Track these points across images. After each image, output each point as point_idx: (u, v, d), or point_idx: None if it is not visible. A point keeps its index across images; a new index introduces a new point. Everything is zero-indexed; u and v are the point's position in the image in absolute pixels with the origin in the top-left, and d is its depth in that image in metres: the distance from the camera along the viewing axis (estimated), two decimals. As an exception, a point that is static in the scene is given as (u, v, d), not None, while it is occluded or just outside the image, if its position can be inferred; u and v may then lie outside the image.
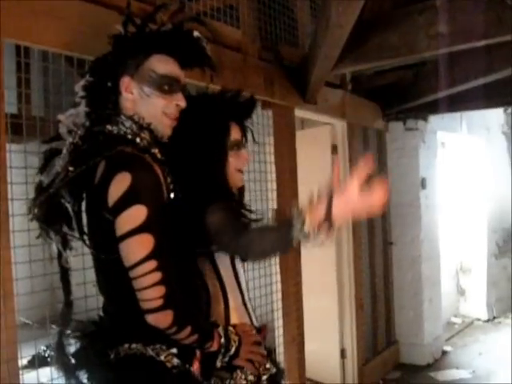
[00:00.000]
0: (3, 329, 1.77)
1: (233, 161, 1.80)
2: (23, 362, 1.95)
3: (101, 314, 1.62)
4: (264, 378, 1.69)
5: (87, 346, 1.56)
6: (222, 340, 1.55)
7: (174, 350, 1.49)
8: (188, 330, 1.44)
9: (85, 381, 1.58)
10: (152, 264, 1.37)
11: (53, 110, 2.25)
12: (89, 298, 2.16)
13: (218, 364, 1.57)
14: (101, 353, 1.51)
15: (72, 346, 1.59)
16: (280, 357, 3.67)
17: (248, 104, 1.92)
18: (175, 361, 1.49)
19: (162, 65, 1.59)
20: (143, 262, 1.37)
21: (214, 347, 1.54)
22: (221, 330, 1.57)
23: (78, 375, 1.57)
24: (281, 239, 1.46)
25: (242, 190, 1.93)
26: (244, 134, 1.89)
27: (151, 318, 1.39)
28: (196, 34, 1.68)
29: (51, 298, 3.29)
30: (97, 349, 1.53)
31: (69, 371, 1.58)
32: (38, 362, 2.29)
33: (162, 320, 1.40)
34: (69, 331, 1.61)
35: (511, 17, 2.45)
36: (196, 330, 1.47)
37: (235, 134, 1.81)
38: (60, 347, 1.58)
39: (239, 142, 1.82)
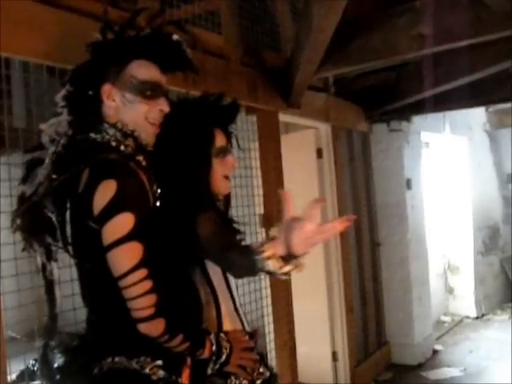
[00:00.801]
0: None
1: (218, 168, 1.77)
2: (12, 376, 1.92)
3: (84, 326, 1.60)
4: (258, 382, 1.68)
5: (70, 361, 1.53)
6: (214, 347, 1.53)
7: (160, 362, 1.47)
8: (180, 337, 1.42)
9: None
10: (142, 273, 1.35)
11: (35, 121, 2.23)
12: (78, 310, 2.13)
13: (209, 371, 1.55)
14: (84, 367, 1.48)
15: (57, 360, 1.56)
16: (272, 361, 3.66)
17: (231, 109, 1.89)
18: (161, 373, 1.47)
19: (143, 70, 1.57)
20: (133, 271, 1.35)
21: (206, 355, 1.52)
22: (212, 337, 1.55)
23: None
24: (252, 269, 1.46)
25: (228, 197, 1.91)
26: (229, 140, 1.87)
27: (143, 327, 1.38)
28: (175, 37, 1.66)
29: (39, 311, 3.27)
30: (80, 363, 1.50)
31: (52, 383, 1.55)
32: (27, 376, 2.26)
33: (154, 329, 1.38)
34: (54, 344, 1.58)
35: (490, 17, 2.47)
36: (188, 338, 1.45)
37: (220, 140, 1.79)
38: (45, 360, 1.56)
39: (224, 149, 1.80)
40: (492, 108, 6.83)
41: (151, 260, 1.38)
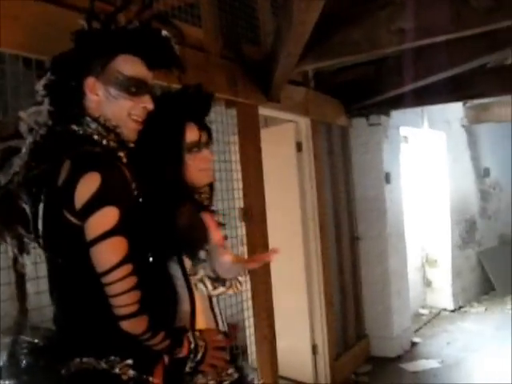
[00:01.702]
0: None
1: (192, 163, 1.75)
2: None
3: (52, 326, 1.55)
4: (225, 383, 1.68)
5: (37, 361, 1.48)
6: (192, 346, 1.51)
7: (130, 361, 1.44)
8: (161, 335, 1.41)
9: None
10: (127, 268, 1.33)
11: (10, 113, 2.18)
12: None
13: (188, 369, 1.54)
14: (51, 368, 1.45)
15: (24, 359, 1.50)
16: (252, 356, 3.66)
17: (204, 102, 1.85)
18: (131, 372, 1.44)
19: (129, 66, 1.53)
20: (118, 267, 1.32)
21: (184, 353, 1.50)
22: (190, 335, 1.53)
23: None
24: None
25: (211, 185, 1.88)
26: (208, 134, 1.84)
27: (126, 325, 1.35)
28: (164, 33, 1.61)
29: (16, 308, 3.22)
30: (47, 364, 1.46)
31: (20, 383, 1.49)
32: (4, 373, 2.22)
33: (137, 326, 1.36)
34: (24, 340, 1.53)
35: (470, 13, 2.48)
36: (168, 336, 1.43)
37: (191, 135, 1.75)
38: (12, 358, 1.50)
39: (197, 143, 1.76)
40: (469, 103, 6.90)
41: (134, 255, 1.36)
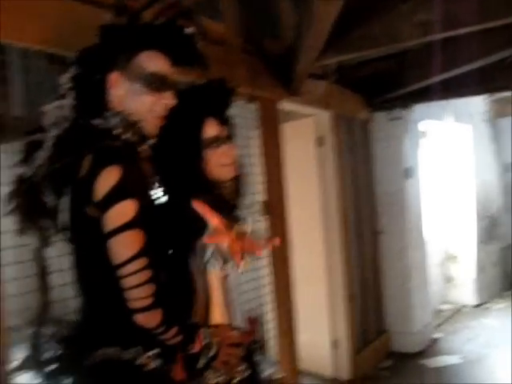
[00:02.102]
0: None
1: (212, 158, 1.76)
2: (14, 364, 1.92)
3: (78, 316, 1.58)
4: (235, 380, 1.67)
5: (62, 351, 1.51)
6: (205, 342, 1.51)
7: (154, 352, 1.46)
8: (174, 330, 1.41)
9: None
10: (142, 262, 1.34)
11: (33, 109, 2.21)
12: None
13: (200, 366, 1.54)
14: (76, 358, 1.47)
15: (50, 350, 1.53)
16: (272, 349, 3.68)
17: (224, 97, 1.86)
18: (154, 364, 1.46)
19: (153, 62, 1.54)
20: (133, 260, 1.33)
21: (197, 349, 1.50)
22: (203, 331, 1.53)
23: (53, 378, 1.52)
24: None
25: (237, 181, 1.87)
26: (229, 128, 1.84)
27: (140, 318, 1.36)
28: (189, 30, 1.62)
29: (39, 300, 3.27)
30: (72, 354, 1.49)
31: (43, 374, 1.53)
32: (28, 364, 2.26)
33: (151, 320, 1.36)
34: (47, 333, 1.56)
35: (495, 4, 2.45)
36: (181, 331, 1.43)
37: (210, 130, 1.76)
38: (34, 349, 1.53)
39: (217, 138, 1.76)
40: (494, 97, 6.81)
41: (151, 249, 1.37)
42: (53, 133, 1.49)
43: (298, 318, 3.70)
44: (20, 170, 1.51)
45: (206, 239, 1.35)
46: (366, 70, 4.46)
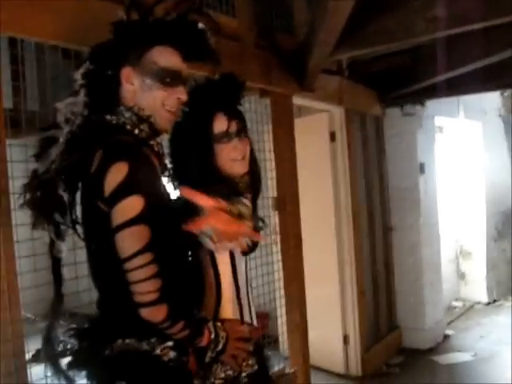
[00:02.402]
0: (9, 323, 1.78)
1: (223, 152, 1.75)
2: (28, 356, 1.95)
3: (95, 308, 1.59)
4: (244, 374, 1.67)
5: (82, 343, 1.53)
6: (213, 336, 1.52)
7: (170, 343, 1.47)
8: (180, 324, 1.42)
9: (78, 377, 1.56)
10: (147, 257, 1.35)
11: (47, 103, 2.23)
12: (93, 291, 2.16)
13: (207, 359, 1.55)
14: (95, 349, 1.49)
15: (62, 341, 1.55)
16: (284, 344, 3.70)
17: (234, 91, 1.84)
18: (171, 354, 1.48)
19: (165, 57, 1.55)
20: (138, 255, 1.35)
21: (204, 343, 1.51)
22: (211, 325, 1.53)
23: (66, 370, 1.54)
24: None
25: (253, 176, 1.86)
26: (241, 123, 1.82)
27: (145, 312, 1.37)
28: (201, 25, 1.62)
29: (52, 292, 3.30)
30: (91, 346, 1.50)
31: (56, 366, 1.54)
32: (41, 357, 2.28)
33: (155, 314, 1.38)
34: (62, 325, 1.58)
35: (506, 0, 2.43)
36: (188, 326, 1.44)
37: (220, 125, 1.75)
38: (48, 341, 1.54)
39: (227, 133, 1.75)
40: (507, 92, 6.76)
41: (160, 243, 1.38)
42: (66, 129, 1.51)
43: (309, 313, 3.70)
44: (35, 165, 1.53)
45: (194, 222, 1.31)
46: (378, 66, 4.45)
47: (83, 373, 1.53)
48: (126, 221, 1.35)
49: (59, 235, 1.53)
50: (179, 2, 1.64)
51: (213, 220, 1.23)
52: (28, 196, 1.48)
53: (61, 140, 1.50)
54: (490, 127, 6.76)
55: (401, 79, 4.61)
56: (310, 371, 3.74)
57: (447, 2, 2.67)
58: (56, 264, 1.56)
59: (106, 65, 1.55)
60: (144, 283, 1.35)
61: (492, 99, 6.79)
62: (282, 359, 3.63)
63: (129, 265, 1.36)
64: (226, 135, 1.75)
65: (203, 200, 1.24)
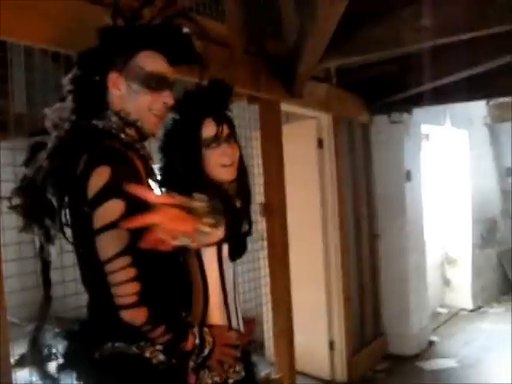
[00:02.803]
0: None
1: (212, 158, 1.76)
2: (12, 360, 1.94)
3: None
4: (231, 381, 1.68)
5: (71, 346, 1.53)
6: (197, 341, 1.52)
7: (159, 347, 1.48)
8: (161, 329, 1.41)
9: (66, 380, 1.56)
10: (126, 260, 1.35)
11: (35, 106, 2.23)
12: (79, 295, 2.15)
13: (191, 364, 1.56)
14: (85, 352, 1.49)
15: (48, 345, 1.56)
16: (269, 349, 3.70)
17: (222, 96, 1.86)
18: (161, 357, 1.48)
19: (151, 62, 1.57)
20: (117, 258, 1.35)
21: (188, 347, 1.51)
22: (196, 330, 1.54)
23: (52, 374, 1.54)
24: None
25: (241, 183, 1.87)
26: (230, 127, 1.82)
27: (125, 315, 1.37)
28: (186, 30, 1.65)
29: (40, 296, 3.28)
30: (81, 348, 1.51)
31: (42, 370, 1.55)
32: (27, 361, 2.27)
33: (135, 317, 1.38)
34: (46, 328, 1.58)
35: (494, 11, 2.48)
36: (170, 330, 1.44)
37: (208, 130, 1.76)
38: (35, 344, 1.55)
39: (216, 138, 1.76)
40: (493, 102, 6.84)
41: (140, 249, 1.38)
42: (54, 134, 1.52)
43: (295, 319, 3.71)
44: (24, 170, 1.53)
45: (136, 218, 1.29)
46: (366, 73, 4.48)
47: (72, 375, 1.53)
48: (105, 224, 1.36)
49: (49, 239, 1.54)
50: (165, 7, 1.67)
51: (158, 216, 1.21)
52: (18, 201, 1.49)
53: (49, 145, 1.51)
54: (476, 135, 6.84)
55: (388, 87, 4.65)
56: (295, 377, 3.74)
57: (435, 12, 2.71)
58: (45, 267, 1.56)
59: (92, 70, 1.57)
60: (123, 286, 1.35)
61: (478, 108, 6.88)
62: (268, 364, 3.64)
63: (108, 267, 1.37)
64: (215, 140, 1.76)
65: (148, 195, 1.23)
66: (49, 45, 2.07)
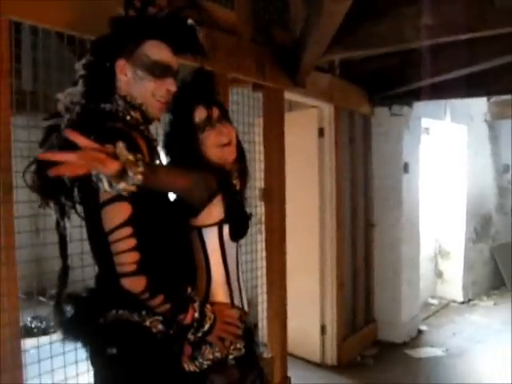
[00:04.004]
0: (6, 295, 1.88)
1: (209, 139, 1.83)
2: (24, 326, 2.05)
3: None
4: (231, 357, 1.74)
5: (78, 312, 1.64)
6: (196, 315, 1.61)
7: (159, 317, 1.59)
8: (160, 298, 1.52)
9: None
10: (127, 231, 1.46)
11: (42, 84, 2.32)
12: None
13: (190, 337, 1.64)
14: (91, 318, 1.60)
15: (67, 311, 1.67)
16: (263, 331, 3.81)
17: (206, 84, 1.95)
18: (160, 327, 1.59)
19: (156, 51, 1.68)
20: (118, 228, 1.46)
21: (187, 320, 1.60)
22: (197, 305, 1.63)
23: (77, 335, 1.65)
24: None
25: (240, 164, 1.94)
26: (220, 110, 1.89)
27: (125, 282, 1.48)
28: (190, 21, 1.77)
29: (37, 270, 3.36)
30: (87, 314, 1.62)
31: (68, 331, 1.65)
32: (24, 332, 2.34)
33: (134, 284, 1.48)
34: (67, 293, 1.69)
35: (494, 13, 2.56)
36: (169, 300, 1.54)
37: (199, 114, 1.84)
38: (58, 309, 1.67)
39: (209, 120, 1.84)
40: (493, 99, 6.90)
41: (141, 221, 1.48)
42: (66, 117, 1.63)
43: (289, 303, 3.81)
44: (40, 151, 1.64)
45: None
46: (369, 66, 4.56)
47: (78, 338, 1.65)
48: (108, 198, 1.46)
49: (64, 215, 1.66)
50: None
51: (78, 155, 1.32)
52: (35, 180, 1.59)
53: (62, 127, 1.61)
54: (475, 131, 6.92)
55: (390, 80, 4.73)
56: (287, 358, 3.86)
57: (436, 11, 2.79)
58: (62, 240, 1.68)
59: (103, 57, 1.68)
60: (123, 254, 1.47)
61: (479, 104, 6.94)
62: (261, 345, 3.75)
63: (110, 237, 1.48)
64: (208, 122, 1.83)
65: (82, 140, 1.34)
66: (66, 28, 2.15)
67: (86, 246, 1.76)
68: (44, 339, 2.60)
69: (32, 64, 3.38)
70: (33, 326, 5.08)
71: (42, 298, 3.82)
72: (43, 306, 3.47)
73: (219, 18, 3.06)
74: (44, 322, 5.21)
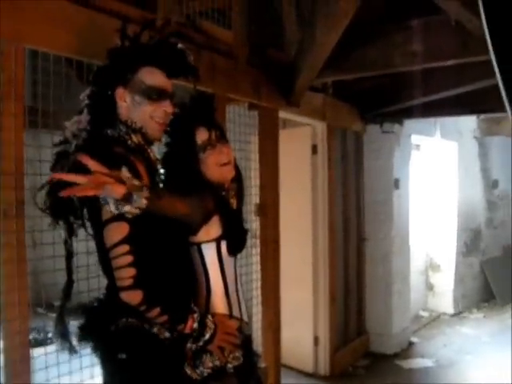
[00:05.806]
0: (17, 304, 2.00)
1: (210, 159, 1.93)
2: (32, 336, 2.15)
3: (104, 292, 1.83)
4: (230, 365, 1.83)
5: (91, 320, 1.76)
6: (195, 325, 1.72)
7: (162, 326, 1.70)
8: (157, 310, 1.63)
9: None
10: (124, 248, 1.59)
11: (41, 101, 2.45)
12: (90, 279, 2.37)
13: (190, 346, 1.74)
14: (103, 325, 1.73)
15: (79, 319, 1.78)
16: (256, 341, 3.90)
17: (206, 107, 2.07)
18: (167, 334, 1.71)
19: (150, 76, 1.81)
20: (117, 246, 1.59)
21: (187, 330, 1.72)
22: (197, 315, 1.73)
23: (76, 348, 1.78)
24: None
25: (238, 182, 2.06)
26: (219, 131, 2.00)
27: (123, 295, 1.61)
28: (180, 46, 1.91)
29: (34, 282, 3.45)
30: (99, 322, 1.74)
31: (69, 344, 1.78)
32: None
33: (131, 298, 1.60)
34: (72, 306, 1.81)
35: (474, 42, 2.72)
36: (166, 312, 1.65)
37: (201, 135, 1.95)
38: (60, 320, 1.79)
39: (209, 142, 1.94)
40: (483, 116, 7.03)
41: (139, 239, 1.61)
42: (73, 143, 1.77)
43: (282, 314, 3.91)
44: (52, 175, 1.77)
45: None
46: (361, 85, 4.70)
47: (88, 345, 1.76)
48: (108, 218, 1.59)
49: (71, 233, 1.79)
50: (163, 27, 1.99)
51: (88, 178, 1.46)
52: (47, 203, 1.73)
53: (70, 152, 1.75)
54: (465, 148, 7.06)
55: (381, 99, 4.89)
56: (280, 369, 3.95)
57: (423, 39, 2.95)
58: (69, 256, 1.81)
59: (104, 86, 1.82)
60: (121, 270, 1.60)
61: (468, 121, 7.08)
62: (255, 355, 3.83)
63: (110, 254, 1.61)
64: (209, 143, 1.95)
65: (93, 165, 1.48)
66: (74, 54, 2.29)
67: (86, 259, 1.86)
68: (40, 350, 2.64)
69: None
70: (30, 337, 5.11)
71: (40, 310, 3.91)
72: (41, 317, 3.55)
73: (217, 39, 3.20)
74: (41, 334, 5.27)
